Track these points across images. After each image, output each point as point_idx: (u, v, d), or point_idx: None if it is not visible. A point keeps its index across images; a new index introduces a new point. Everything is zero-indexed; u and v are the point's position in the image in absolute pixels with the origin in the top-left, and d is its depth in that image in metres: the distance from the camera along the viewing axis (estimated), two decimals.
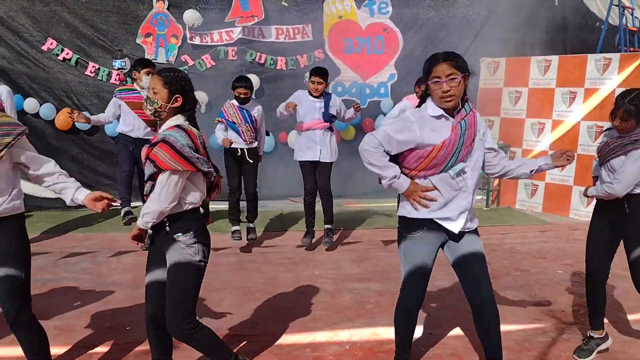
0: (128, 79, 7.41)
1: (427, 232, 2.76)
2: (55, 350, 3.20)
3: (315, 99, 5.34)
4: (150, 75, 5.32)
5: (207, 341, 2.75)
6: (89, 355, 3.29)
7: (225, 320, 3.82)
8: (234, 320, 3.82)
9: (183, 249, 2.62)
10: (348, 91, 7.66)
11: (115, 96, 5.57)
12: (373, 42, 7.70)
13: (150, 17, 7.55)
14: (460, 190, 2.69)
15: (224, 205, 5.72)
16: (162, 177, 2.59)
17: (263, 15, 7.53)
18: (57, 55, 7.35)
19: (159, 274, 2.73)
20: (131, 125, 5.44)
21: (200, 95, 7.61)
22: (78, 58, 7.40)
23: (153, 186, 2.63)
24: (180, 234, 2.63)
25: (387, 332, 3.61)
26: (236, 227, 5.56)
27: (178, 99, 2.69)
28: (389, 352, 3.24)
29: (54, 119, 7.21)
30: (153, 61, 7.46)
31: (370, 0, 7.64)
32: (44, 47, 7.32)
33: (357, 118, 5.84)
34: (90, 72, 7.40)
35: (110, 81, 7.43)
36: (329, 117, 5.38)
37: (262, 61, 7.68)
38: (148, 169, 2.64)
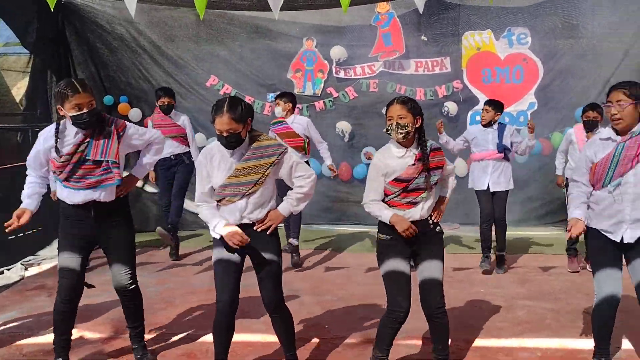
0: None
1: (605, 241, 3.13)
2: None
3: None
4: (278, 105, 5.88)
5: None
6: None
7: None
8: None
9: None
10: None
11: (270, 130, 6.09)
12: (512, 72, 7.87)
13: (300, 54, 8.24)
14: (615, 202, 3.03)
15: None
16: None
17: (404, 50, 7.97)
18: (219, 90, 8.19)
19: None
20: None
21: (344, 125, 8.12)
22: (236, 92, 8.19)
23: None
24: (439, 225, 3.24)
25: (575, 344, 3.73)
26: None
27: (419, 120, 3.14)
28: None
29: None
30: (301, 94, 8.20)
31: (509, 32, 7.86)
32: (208, 84, 8.21)
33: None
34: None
35: (264, 112, 8.14)
36: (502, 148, 5.55)
37: (402, 92, 8.08)
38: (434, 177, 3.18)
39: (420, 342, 3.81)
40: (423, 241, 3.18)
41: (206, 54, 8.22)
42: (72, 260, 3.31)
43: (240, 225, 3.08)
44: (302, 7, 7.31)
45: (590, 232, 3.18)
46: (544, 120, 7.81)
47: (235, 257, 3.12)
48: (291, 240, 5.95)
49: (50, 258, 6.16)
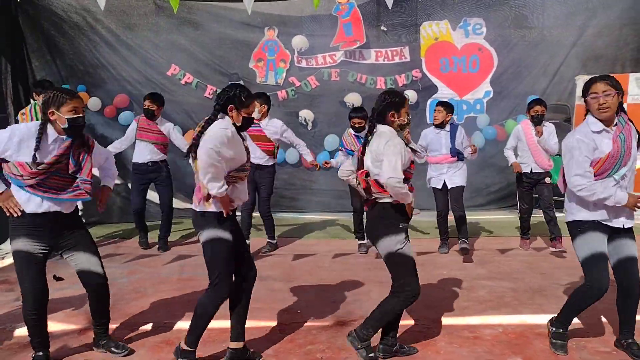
0: None
1: (595, 229, 3.28)
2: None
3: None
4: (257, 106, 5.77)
5: None
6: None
7: None
8: None
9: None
10: None
11: None
12: (469, 61, 8.15)
13: (262, 43, 8.27)
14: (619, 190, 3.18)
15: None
16: None
17: (365, 40, 8.11)
18: (180, 79, 8.15)
19: None
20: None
21: (307, 114, 8.23)
22: (198, 82, 8.16)
23: None
24: None
25: (533, 319, 3.99)
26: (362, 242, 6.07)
27: None
28: (542, 335, 3.64)
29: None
30: (263, 83, 8.24)
31: (465, 22, 8.11)
32: (169, 73, 8.14)
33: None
34: (209, 94, 8.14)
35: None
36: (455, 152, 5.78)
37: (363, 81, 8.25)
38: None
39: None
40: None
41: (166, 42, 8.15)
42: (31, 266, 3.22)
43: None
44: None
45: (582, 225, 3.28)
46: (499, 107, 8.16)
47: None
48: (269, 240, 6.14)
49: (11, 252, 6.04)
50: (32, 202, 3.17)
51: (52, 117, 3.17)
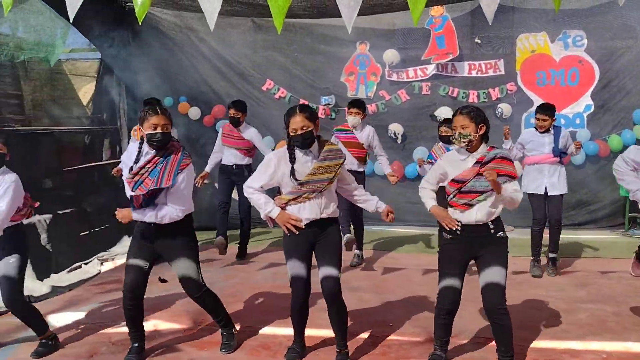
0: (333, 113, 8.32)
1: None
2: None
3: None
4: (353, 115, 5.94)
5: None
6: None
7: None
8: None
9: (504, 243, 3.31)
10: None
11: (334, 135, 6.24)
12: (567, 74, 7.84)
13: (353, 57, 8.40)
14: None
15: None
16: (514, 185, 3.28)
17: (457, 53, 8.03)
18: (274, 94, 8.45)
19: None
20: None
21: (396, 127, 8.25)
22: (291, 96, 8.43)
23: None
24: (502, 232, 3.33)
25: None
26: None
27: (482, 127, 3.32)
28: None
29: (273, 149, 8.24)
30: (354, 97, 8.36)
31: (564, 34, 7.82)
32: (264, 88, 8.47)
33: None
34: None
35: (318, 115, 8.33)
36: (559, 152, 5.58)
37: (454, 95, 8.15)
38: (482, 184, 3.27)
39: (483, 342, 3.92)
40: (483, 245, 3.34)
41: (262, 58, 8.47)
42: (138, 262, 3.59)
43: (319, 220, 3.45)
44: (364, 12, 7.46)
45: None
46: (601, 122, 7.78)
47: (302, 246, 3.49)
48: (357, 251, 6.17)
49: (122, 254, 6.52)
50: (135, 211, 3.51)
51: (141, 133, 3.49)
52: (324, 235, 3.50)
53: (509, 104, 7.94)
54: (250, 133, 6.42)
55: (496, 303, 3.26)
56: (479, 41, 8.09)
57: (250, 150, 6.48)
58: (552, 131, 5.61)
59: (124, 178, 3.51)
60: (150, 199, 3.44)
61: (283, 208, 3.47)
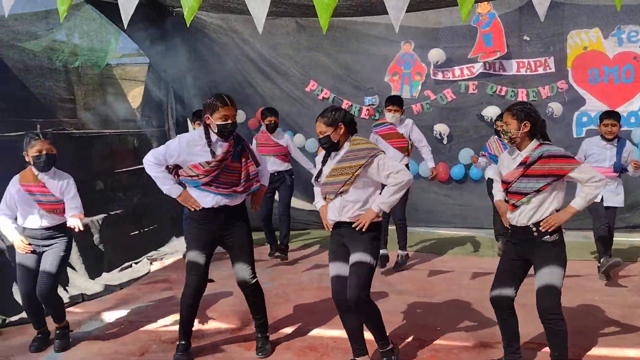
0: (377, 113, 8.26)
1: None
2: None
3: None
4: (392, 112, 5.91)
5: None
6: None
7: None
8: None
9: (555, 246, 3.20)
10: (594, 121, 7.57)
11: (372, 132, 6.20)
12: (621, 71, 7.55)
13: (398, 57, 8.34)
14: None
15: None
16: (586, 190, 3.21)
17: (505, 50, 7.85)
18: (318, 95, 8.46)
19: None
20: None
21: (442, 128, 8.13)
22: (335, 97, 8.43)
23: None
24: (548, 236, 3.17)
25: None
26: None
27: (526, 124, 3.20)
28: None
29: (317, 151, 8.25)
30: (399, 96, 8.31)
31: (618, 30, 7.53)
32: (307, 89, 8.50)
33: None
34: (345, 108, 8.34)
35: (361, 116, 8.31)
36: (620, 168, 5.35)
37: (502, 93, 7.97)
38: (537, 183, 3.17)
39: (536, 347, 3.81)
40: (531, 248, 3.24)
41: (306, 59, 8.50)
42: (199, 257, 3.65)
43: (340, 223, 3.41)
44: (409, 10, 7.37)
45: None
46: None
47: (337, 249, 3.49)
48: (400, 251, 6.06)
49: (170, 254, 6.68)
50: (205, 198, 3.60)
51: (208, 121, 3.58)
52: (350, 240, 3.38)
53: (560, 102, 7.71)
54: (285, 139, 6.51)
55: (549, 307, 3.15)
56: (528, 38, 7.89)
57: (287, 155, 6.52)
58: (616, 143, 5.37)
59: (197, 168, 3.55)
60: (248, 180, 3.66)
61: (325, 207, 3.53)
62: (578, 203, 3.24)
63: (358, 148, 3.37)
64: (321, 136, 3.36)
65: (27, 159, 3.86)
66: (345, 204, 3.35)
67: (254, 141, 6.62)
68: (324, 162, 3.48)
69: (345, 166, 3.33)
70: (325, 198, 3.46)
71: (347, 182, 3.31)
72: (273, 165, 6.38)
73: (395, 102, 5.97)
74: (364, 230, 3.30)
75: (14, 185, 3.87)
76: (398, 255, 6.05)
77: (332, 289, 3.44)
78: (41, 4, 6.48)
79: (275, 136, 6.45)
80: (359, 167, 3.30)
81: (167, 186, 3.64)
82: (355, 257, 3.32)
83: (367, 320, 3.41)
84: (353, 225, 3.33)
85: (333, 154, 3.44)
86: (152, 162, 3.61)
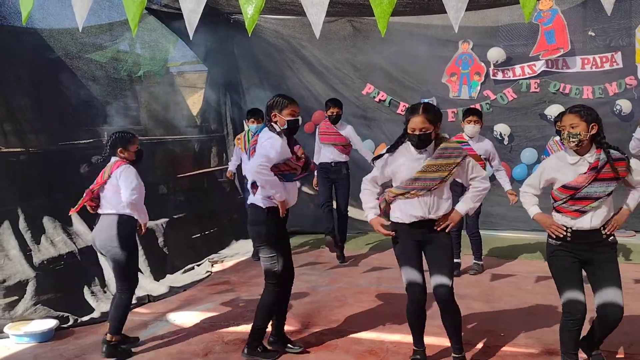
0: None
1: None
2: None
3: None
4: (473, 123, 5.57)
5: None
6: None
7: None
8: None
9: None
10: None
11: None
12: None
13: (456, 57, 8.19)
14: None
15: None
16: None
17: (569, 47, 7.57)
18: (374, 98, 8.43)
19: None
20: None
21: (503, 128, 7.92)
22: (391, 99, 8.37)
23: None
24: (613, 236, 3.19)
25: None
26: None
27: (594, 126, 3.09)
28: None
29: (374, 151, 8.22)
30: (456, 98, 8.17)
31: None
32: (364, 92, 8.48)
33: None
34: (401, 110, 8.27)
35: None
36: None
37: (566, 91, 7.69)
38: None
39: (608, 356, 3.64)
40: (593, 251, 3.16)
41: (362, 62, 8.49)
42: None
43: (424, 221, 3.36)
44: (467, 8, 7.24)
45: None
46: None
47: (413, 249, 3.44)
48: (475, 261, 5.90)
49: (230, 256, 6.81)
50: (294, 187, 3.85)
51: (275, 118, 3.67)
52: (433, 238, 3.40)
53: (629, 99, 7.36)
54: (347, 130, 6.49)
55: (616, 323, 3.13)
56: (593, 34, 7.59)
57: (347, 147, 6.51)
58: None
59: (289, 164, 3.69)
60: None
61: (391, 202, 3.44)
62: (632, 205, 3.25)
63: (451, 147, 3.39)
64: (420, 132, 3.25)
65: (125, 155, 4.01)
66: (438, 202, 3.35)
67: (317, 129, 6.71)
68: (390, 150, 3.44)
69: (442, 163, 3.32)
70: (405, 194, 3.33)
71: (444, 179, 3.31)
72: (331, 155, 6.43)
73: (476, 113, 5.62)
74: (446, 230, 3.38)
75: None
76: (474, 264, 5.89)
77: (412, 297, 3.42)
78: (105, 17, 6.78)
79: (337, 127, 6.47)
80: (456, 165, 3.32)
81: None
82: (442, 254, 3.41)
83: (454, 318, 3.45)
84: (435, 225, 3.37)
85: (413, 150, 3.36)
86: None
